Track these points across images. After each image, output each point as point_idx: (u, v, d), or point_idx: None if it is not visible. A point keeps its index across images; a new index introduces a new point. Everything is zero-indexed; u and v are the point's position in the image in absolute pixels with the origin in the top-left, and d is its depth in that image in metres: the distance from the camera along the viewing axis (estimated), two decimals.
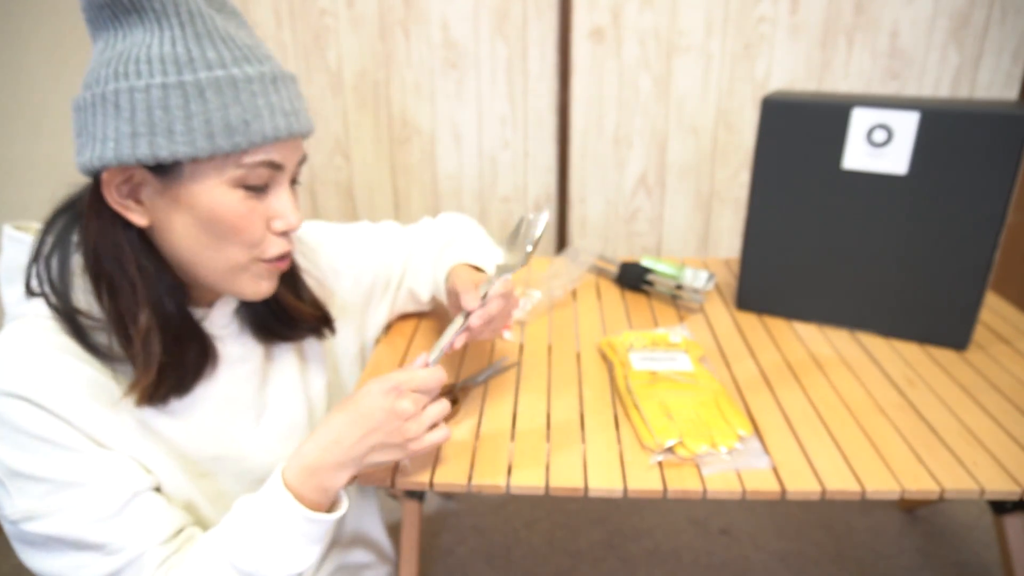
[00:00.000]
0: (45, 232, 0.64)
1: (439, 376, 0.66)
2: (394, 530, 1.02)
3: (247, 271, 0.64)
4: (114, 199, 0.59)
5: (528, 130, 1.99)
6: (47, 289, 0.61)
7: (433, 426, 0.66)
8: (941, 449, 0.74)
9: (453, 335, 0.71)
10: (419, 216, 2.16)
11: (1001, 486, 0.68)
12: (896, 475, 0.70)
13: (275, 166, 0.61)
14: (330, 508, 0.65)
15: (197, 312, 0.68)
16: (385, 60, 1.94)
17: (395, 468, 0.72)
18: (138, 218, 0.60)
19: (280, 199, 0.63)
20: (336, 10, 1.90)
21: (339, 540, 0.90)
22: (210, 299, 0.70)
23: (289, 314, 0.76)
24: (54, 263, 0.62)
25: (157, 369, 0.61)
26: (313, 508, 0.62)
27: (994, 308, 1.07)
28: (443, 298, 0.89)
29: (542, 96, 1.95)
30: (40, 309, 0.61)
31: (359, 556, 0.94)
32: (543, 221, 0.76)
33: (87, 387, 0.60)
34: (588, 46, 1.88)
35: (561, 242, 2.07)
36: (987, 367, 0.91)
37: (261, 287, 0.66)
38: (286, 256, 0.67)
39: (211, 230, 0.60)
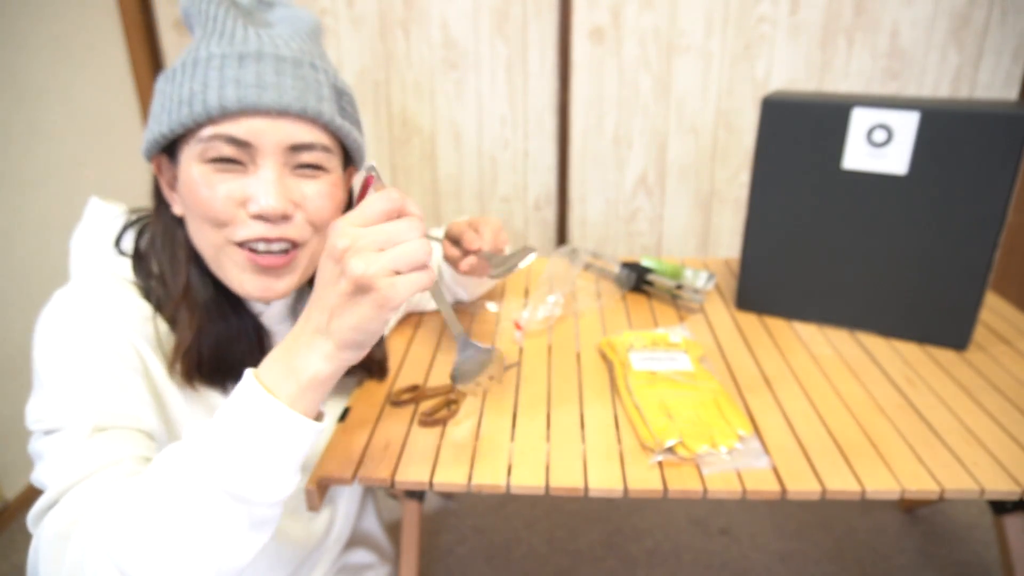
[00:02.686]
0: (138, 214, 0.72)
1: (387, 199, 0.51)
2: (394, 530, 1.02)
3: (226, 255, 0.63)
4: (165, 191, 0.66)
5: (528, 130, 1.99)
6: (133, 251, 0.68)
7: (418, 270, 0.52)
8: (941, 449, 0.74)
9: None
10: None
11: (1001, 486, 0.68)
12: (896, 475, 0.70)
13: (236, 142, 0.59)
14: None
15: (256, 307, 0.72)
16: (385, 60, 1.95)
17: (395, 468, 0.72)
18: (177, 207, 0.66)
19: (256, 180, 0.60)
20: (336, 10, 1.90)
21: (339, 540, 0.90)
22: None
23: None
24: (137, 236, 0.70)
25: (193, 343, 0.64)
26: (288, 404, 0.52)
27: (994, 308, 1.07)
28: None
29: (542, 96, 1.95)
30: (123, 272, 0.67)
31: (360, 556, 0.94)
32: (528, 261, 0.84)
33: (155, 341, 0.64)
34: (588, 46, 1.88)
35: (561, 242, 2.07)
36: (987, 367, 0.91)
37: (244, 281, 0.63)
38: (268, 247, 0.62)
39: (188, 208, 0.63)
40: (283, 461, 0.52)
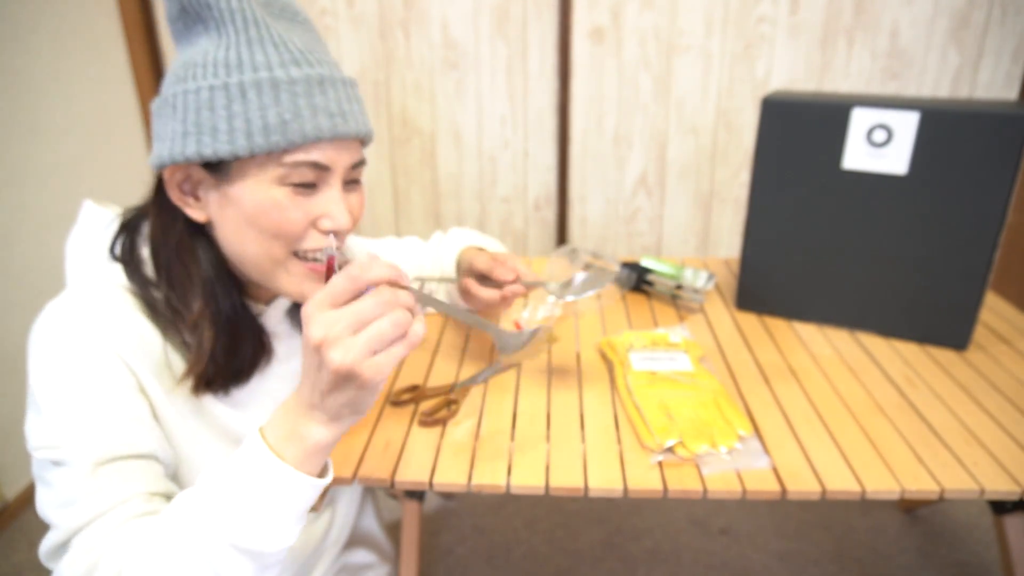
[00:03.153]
0: (130, 216, 0.69)
1: (349, 278, 0.51)
2: (394, 530, 1.02)
3: (284, 268, 0.65)
4: (175, 195, 0.64)
5: (528, 130, 1.99)
6: (127, 257, 0.66)
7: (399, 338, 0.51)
8: (941, 449, 0.74)
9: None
10: (419, 216, 2.17)
11: (1001, 486, 0.68)
12: (896, 475, 0.70)
13: (320, 167, 0.62)
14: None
15: (256, 308, 0.72)
16: (385, 60, 1.94)
17: (395, 468, 0.72)
18: (196, 213, 0.64)
19: (328, 199, 0.63)
20: (336, 10, 1.90)
21: (338, 541, 0.90)
22: (268, 297, 0.73)
23: None
24: (131, 241, 0.68)
25: (210, 356, 0.64)
26: (296, 464, 0.53)
27: (994, 308, 1.07)
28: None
29: (542, 96, 1.95)
30: (118, 278, 0.65)
31: (360, 556, 0.94)
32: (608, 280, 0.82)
33: (151, 353, 0.63)
34: (588, 46, 1.88)
35: (561, 242, 2.07)
36: (987, 367, 0.91)
37: (305, 289, 0.66)
38: (329, 256, 0.66)
39: (255, 225, 0.62)
40: (290, 516, 0.54)
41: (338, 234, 0.65)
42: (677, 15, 1.83)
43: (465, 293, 0.87)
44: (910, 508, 1.58)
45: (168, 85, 0.63)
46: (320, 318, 0.49)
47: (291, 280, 0.66)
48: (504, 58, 1.91)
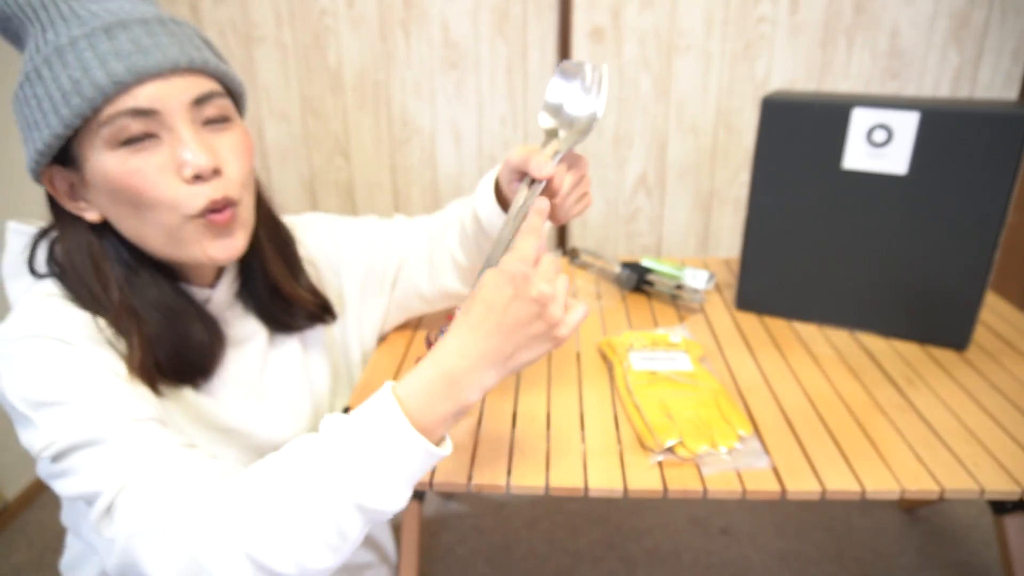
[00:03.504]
0: (44, 230, 0.67)
1: (540, 239, 0.56)
2: (394, 530, 1.02)
3: (184, 232, 0.61)
4: (68, 204, 0.62)
5: (528, 130, 1.99)
6: (54, 269, 0.64)
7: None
8: (941, 449, 0.74)
9: (518, 214, 0.60)
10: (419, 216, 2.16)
11: (1001, 486, 0.68)
12: (896, 475, 0.70)
13: (142, 112, 0.57)
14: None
15: (201, 292, 0.70)
16: (385, 60, 1.94)
17: None
18: (90, 215, 0.62)
19: (174, 142, 0.59)
20: (336, 10, 1.90)
21: None
22: (208, 278, 0.71)
23: (287, 300, 0.76)
24: (52, 252, 0.66)
25: (147, 346, 0.62)
26: (429, 432, 0.53)
27: (994, 308, 1.07)
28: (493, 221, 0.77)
29: (542, 96, 1.94)
30: (51, 288, 0.64)
31: (359, 555, 0.94)
32: (607, 74, 0.67)
33: (112, 343, 0.62)
34: (588, 46, 1.88)
35: (561, 242, 2.07)
36: (987, 367, 0.91)
37: (207, 248, 0.62)
38: (222, 207, 0.62)
39: (121, 200, 0.59)
40: (410, 483, 0.54)
41: (202, 176, 0.59)
42: (677, 15, 1.83)
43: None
44: (910, 508, 1.58)
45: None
46: (531, 273, 0.53)
47: (193, 245, 0.62)
48: (504, 58, 1.91)
